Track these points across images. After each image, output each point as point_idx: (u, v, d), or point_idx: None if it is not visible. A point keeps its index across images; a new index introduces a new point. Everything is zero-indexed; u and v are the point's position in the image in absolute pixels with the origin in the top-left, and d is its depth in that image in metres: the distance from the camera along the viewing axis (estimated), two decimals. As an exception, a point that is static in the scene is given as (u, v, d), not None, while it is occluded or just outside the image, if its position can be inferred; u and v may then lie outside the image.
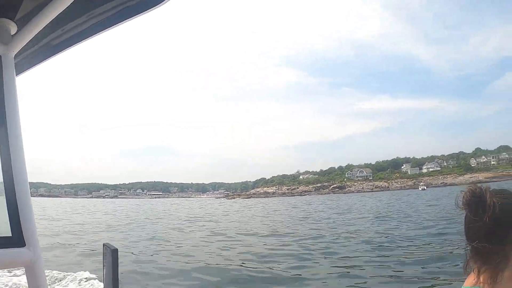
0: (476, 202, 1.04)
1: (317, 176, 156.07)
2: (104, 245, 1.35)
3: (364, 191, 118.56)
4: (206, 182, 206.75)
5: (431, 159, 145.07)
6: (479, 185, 1.11)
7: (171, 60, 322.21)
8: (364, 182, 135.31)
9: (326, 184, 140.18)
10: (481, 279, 1.01)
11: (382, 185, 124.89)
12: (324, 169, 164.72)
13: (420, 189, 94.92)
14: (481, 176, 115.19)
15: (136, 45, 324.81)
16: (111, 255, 1.25)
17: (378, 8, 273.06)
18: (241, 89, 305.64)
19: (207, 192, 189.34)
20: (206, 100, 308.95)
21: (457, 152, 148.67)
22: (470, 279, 1.06)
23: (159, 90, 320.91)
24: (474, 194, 1.06)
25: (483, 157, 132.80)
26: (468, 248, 1.07)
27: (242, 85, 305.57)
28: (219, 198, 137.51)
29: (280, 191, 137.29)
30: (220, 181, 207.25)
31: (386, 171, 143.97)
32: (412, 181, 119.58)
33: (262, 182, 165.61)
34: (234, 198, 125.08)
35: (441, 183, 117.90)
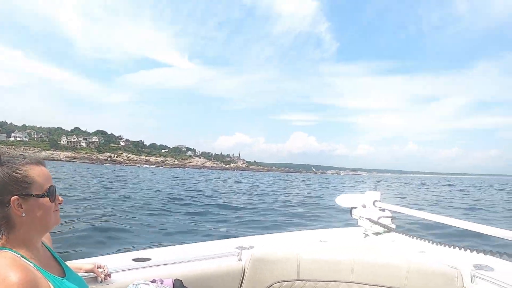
0: None
1: None
2: None
3: None
4: None
5: (24, 128, 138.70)
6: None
7: None
8: None
9: None
10: None
11: None
12: None
13: None
14: (62, 154, 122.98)
15: None
16: None
17: None
18: None
19: None
20: None
21: (56, 127, 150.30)
22: None
23: None
24: None
25: (74, 136, 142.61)
26: None
27: None
28: None
29: None
30: None
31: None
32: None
33: None
34: None
35: (19, 154, 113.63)
